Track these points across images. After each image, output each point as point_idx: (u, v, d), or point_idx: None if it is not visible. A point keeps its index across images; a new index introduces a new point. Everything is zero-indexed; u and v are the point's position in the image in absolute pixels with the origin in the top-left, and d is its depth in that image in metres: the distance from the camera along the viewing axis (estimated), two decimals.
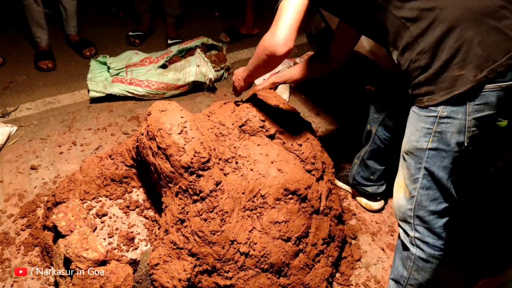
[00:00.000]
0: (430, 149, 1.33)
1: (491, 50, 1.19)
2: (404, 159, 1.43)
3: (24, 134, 2.54)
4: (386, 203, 2.20)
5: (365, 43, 2.42)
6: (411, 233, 1.46)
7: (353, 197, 2.24)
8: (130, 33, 3.49)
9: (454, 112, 1.26)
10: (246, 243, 1.51)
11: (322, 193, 1.69)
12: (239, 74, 1.80)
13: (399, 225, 1.51)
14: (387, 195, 2.14)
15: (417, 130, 1.35)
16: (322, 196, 1.68)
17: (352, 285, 1.84)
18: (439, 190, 1.37)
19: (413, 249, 1.47)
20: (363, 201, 2.17)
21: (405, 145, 1.41)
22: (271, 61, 1.39)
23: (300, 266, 1.63)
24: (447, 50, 1.23)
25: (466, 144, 1.29)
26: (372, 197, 2.13)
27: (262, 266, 1.54)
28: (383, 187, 2.10)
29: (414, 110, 1.37)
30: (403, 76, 1.40)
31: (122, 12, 3.74)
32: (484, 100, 1.24)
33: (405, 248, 1.50)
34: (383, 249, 1.99)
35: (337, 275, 1.85)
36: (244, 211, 1.53)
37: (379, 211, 2.17)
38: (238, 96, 1.92)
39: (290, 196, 1.58)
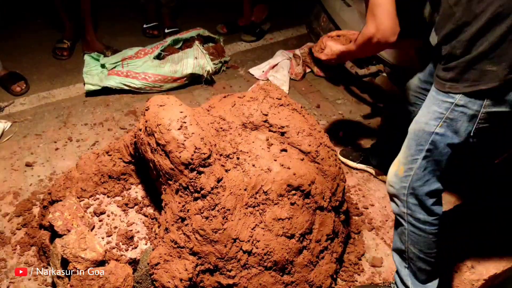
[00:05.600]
0: (437, 133, 1.35)
1: None
2: (408, 138, 1.46)
3: (19, 130, 2.48)
4: None
5: None
6: (404, 210, 1.49)
7: (376, 176, 2.29)
8: (145, 26, 3.44)
9: (471, 102, 1.27)
10: (248, 240, 1.48)
11: (326, 189, 1.65)
12: (334, 48, 1.75)
13: (391, 199, 1.54)
14: None
15: (428, 112, 1.37)
16: (326, 192, 1.64)
17: (356, 281, 1.81)
18: (435, 172, 1.41)
19: (405, 224, 1.51)
20: None
21: (414, 125, 1.44)
22: (381, 48, 1.51)
23: (304, 263, 1.59)
24: (487, 43, 1.21)
25: (472, 135, 1.32)
26: None
27: (265, 264, 1.51)
28: None
29: (432, 93, 1.38)
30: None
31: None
32: (503, 97, 1.25)
33: (399, 223, 1.54)
34: (387, 244, 1.96)
35: (341, 271, 1.82)
36: (247, 208, 1.49)
37: None
38: (317, 66, 1.88)
39: (293, 192, 1.55)
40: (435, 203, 1.45)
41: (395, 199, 1.51)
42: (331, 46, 1.76)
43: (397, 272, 1.65)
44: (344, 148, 2.39)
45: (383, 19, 1.37)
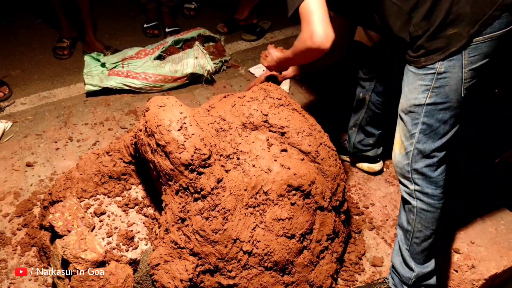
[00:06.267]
0: (428, 104, 1.42)
1: (479, 5, 1.29)
2: (401, 117, 1.53)
3: (19, 130, 2.48)
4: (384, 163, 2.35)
5: None
6: (411, 187, 1.54)
7: (353, 164, 2.34)
8: (145, 25, 3.43)
9: (451, 66, 1.36)
10: (249, 241, 1.48)
11: (326, 189, 1.65)
12: (274, 55, 1.78)
13: (400, 181, 1.60)
14: (386, 156, 2.27)
15: (415, 88, 1.45)
16: (326, 192, 1.64)
17: (357, 280, 1.81)
18: (434, 142, 1.46)
19: (414, 202, 1.55)
20: (365, 165, 2.29)
21: (403, 104, 1.51)
22: (316, 55, 1.46)
23: (304, 263, 1.59)
24: (440, 14, 1.32)
25: (463, 95, 1.39)
26: (373, 160, 2.26)
27: (265, 264, 1.51)
28: (381, 148, 2.24)
29: (411, 70, 1.46)
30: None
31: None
32: (477, 51, 1.34)
33: (407, 202, 1.58)
34: (388, 243, 1.95)
35: (342, 271, 1.82)
36: (247, 209, 1.49)
37: (380, 171, 2.30)
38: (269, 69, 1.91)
39: (293, 192, 1.54)
40: (440, 174, 1.51)
41: (403, 180, 1.57)
42: (272, 53, 1.79)
43: (397, 256, 1.67)
44: None
45: (317, 25, 1.36)
